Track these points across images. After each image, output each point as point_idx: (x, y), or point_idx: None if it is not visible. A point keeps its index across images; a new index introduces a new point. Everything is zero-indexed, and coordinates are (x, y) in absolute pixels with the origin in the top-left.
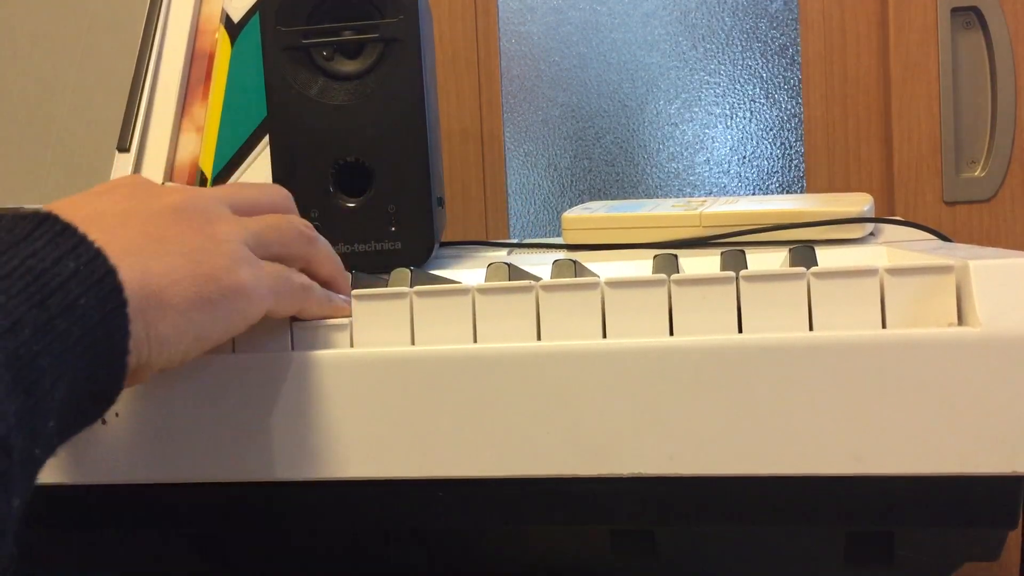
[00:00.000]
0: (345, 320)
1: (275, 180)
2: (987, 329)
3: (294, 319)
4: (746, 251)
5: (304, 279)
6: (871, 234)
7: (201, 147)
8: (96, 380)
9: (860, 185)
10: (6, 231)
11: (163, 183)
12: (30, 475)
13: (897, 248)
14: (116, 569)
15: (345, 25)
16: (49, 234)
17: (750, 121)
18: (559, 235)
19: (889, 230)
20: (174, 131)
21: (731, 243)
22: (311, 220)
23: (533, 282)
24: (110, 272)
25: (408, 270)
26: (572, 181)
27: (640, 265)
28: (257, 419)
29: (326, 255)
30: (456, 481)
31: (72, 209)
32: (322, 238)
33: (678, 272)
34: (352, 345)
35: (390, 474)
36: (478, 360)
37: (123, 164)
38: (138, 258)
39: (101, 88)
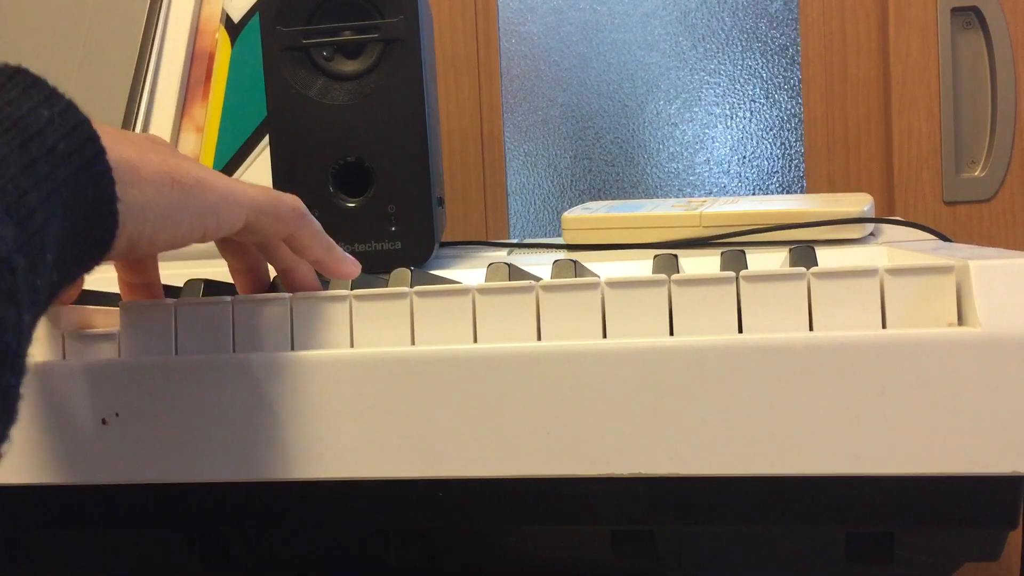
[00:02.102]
0: (345, 320)
1: (275, 180)
2: (987, 329)
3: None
4: (746, 251)
5: (298, 204)
6: (871, 234)
7: (201, 147)
8: (89, 221)
9: (860, 185)
10: None
11: None
12: (34, 304)
13: (897, 248)
14: (116, 569)
15: (345, 25)
16: (21, 86)
17: (750, 121)
18: (559, 235)
19: (889, 230)
20: (174, 131)
21: (731, 243)
22: None
23: (533, 282)
24: (84, 122)
25: (408, 270)
26: (572, 181)
27: (640, 265)
28: (257, 419)
29: (315, 230)
30: (456, 481)
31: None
32: (313, 218)
33: (678, 272)
34: (352, 345)
35: (390, 474)
36: (478, 360)
37: None
38: (109, 137)
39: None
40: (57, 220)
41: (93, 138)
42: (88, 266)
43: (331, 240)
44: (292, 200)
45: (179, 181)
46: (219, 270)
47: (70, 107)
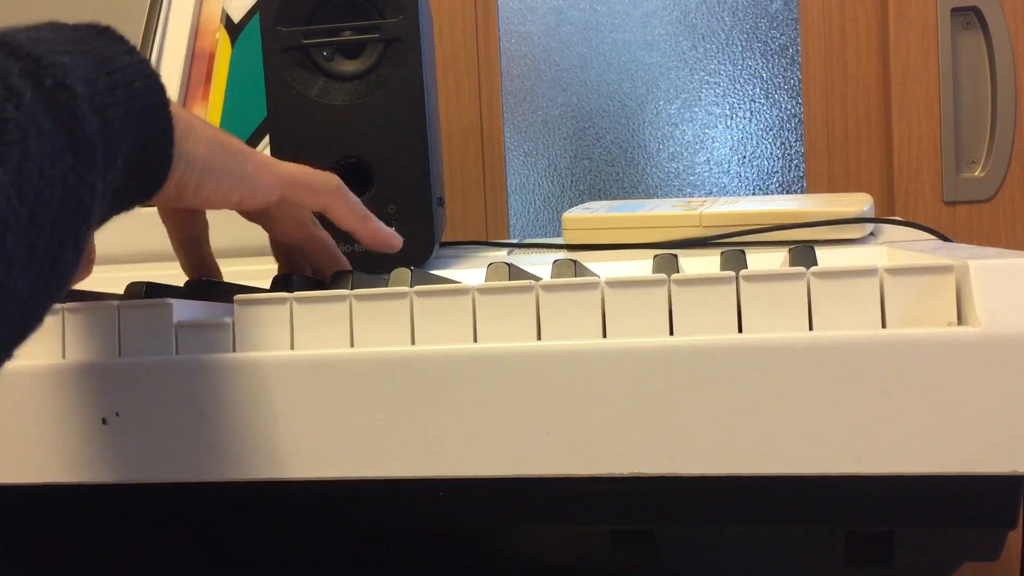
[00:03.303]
0: (345, 320)
1: None
2: (987, 329)
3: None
4: (746, 251)
5: (333, 179)
6: (871, 234)
7: None
8: (150, 152)
9: (860, 185)
10: (76, 29)
11: None
12: (104, 187)
13: (897, 248)
14: (116, 569)
15: (345, 25)
16: (110, 37)
17: (750, 121)
18: (559, 235)
19: (889, 230)
20: None
21: (731, 243)
22: None
23: (533, 282)
24: (155, 75)
25: (408, 270)
26: (572, 181)
27: (640, 265)
28: (257, 419)
29: (350, 203)
30: (456, 481)
31: None
32: (350, 193)
33: (678, 272)
34: (352, 345)
35: (390, 474)
36: (478, 360)
37: None
38: (178, 108)
39: None
40: (128, 137)
41: (161, 89)
42: (143, 194)
43: (368, 212)
44: (328, 176)
45: (226, 146)
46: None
47: (145, 62)
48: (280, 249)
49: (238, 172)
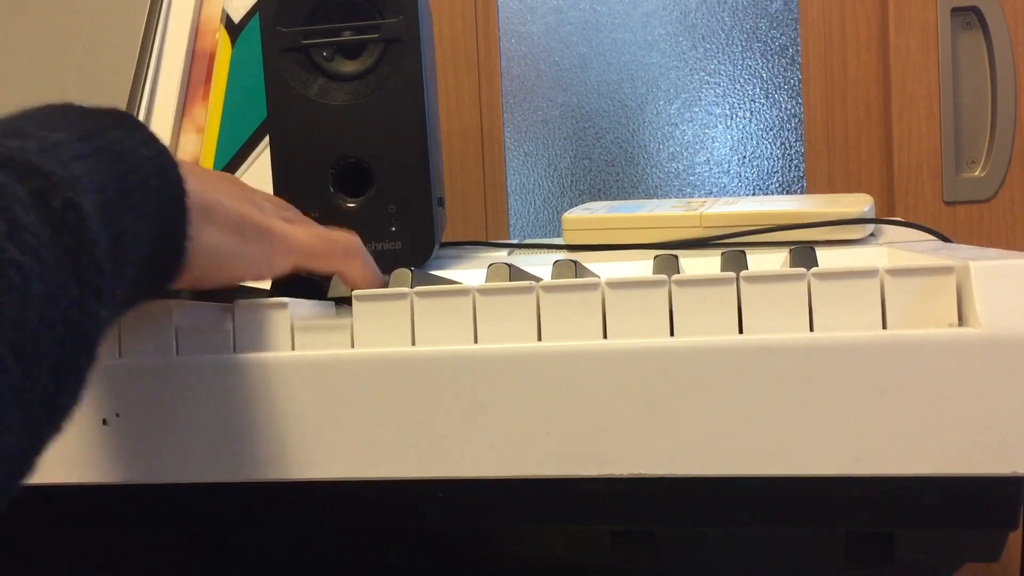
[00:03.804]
0: (345, 320)
1: (275, 180)
2: (987, 330)
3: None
4: (746, 252)
5: (351, 243)
6: (871, 235)
7: (201, 147)
8: (164, 251)
9: (860, 185)
10: (93, 119)
11: None
12: (111, 307)
13: (897, 249)
14: (116, 569)
15: (345, 25)
16: (128, 127)
17: (750, 121)
18: (559, 235)
19: (889, 231)
20: (174, 131)
21: (731, 244)
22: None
23: (533, 282)
24: (173, 166)
25: (408, 270)
26: (572, 181)
27: (640, 266)
28: (257, 419)
29: (362, 267)
30: (456, 481)
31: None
32: (367, 255)
33: (678, 273)
34: (353, 346)
35: (390, 474)
36: (478, 360)
37: None
38: (195, 178)
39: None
40: (141, 244)
41: (178, 181)
42: (157, 289)
43: (381, 275)
44: (346, 241)
45: (244, 231)
46: None
47: (164, 152)
48: None
49: (255, 255)
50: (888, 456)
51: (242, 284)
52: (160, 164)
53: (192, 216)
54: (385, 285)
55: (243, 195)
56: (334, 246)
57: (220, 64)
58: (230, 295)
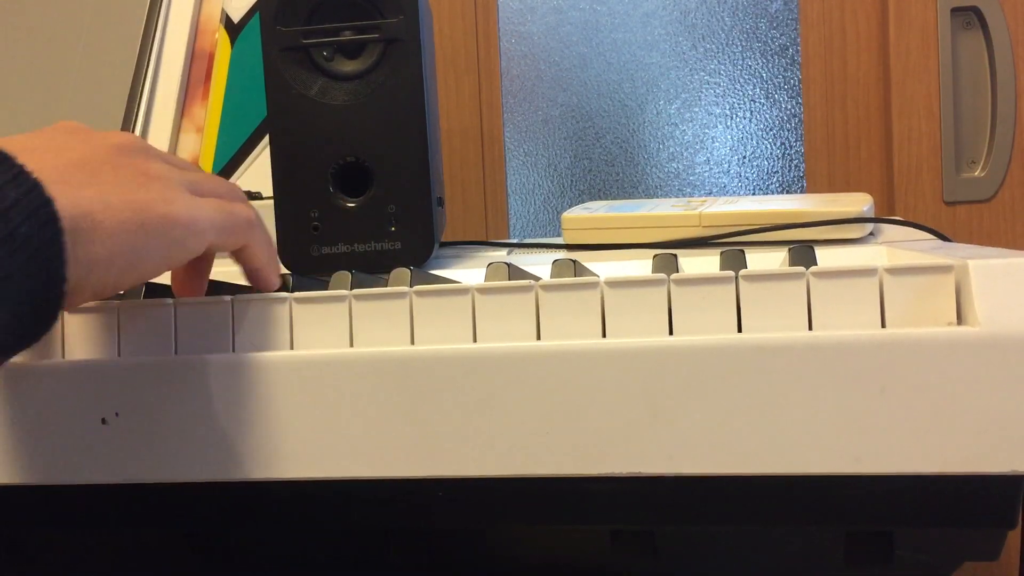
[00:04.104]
0: (344, 320)
1: (275, 180)
2: (986, 329)
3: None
4: (746, 251)
5: (248, 212)
6: (871, 234)
7: (201, 147)
8: (35, 304)
9: (860, 185)
10: None
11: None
12: None
13: (897, 248)
14: (116, 569)
15: (345, 25)
16: None
17: (750, 121)
18: (559, 235)
19: (889, 230)
20: (174, 131)
21: (731, 243)
22: (311, 220)
23: (533, 282)
24: (47, 202)
25: (408, 270)
26: (572, 181)
27: (640, 265)
28: (257, 419)
29: (264, 239)
30: (456, 481)
31: (8, 142)
32: (262, 223)
33: (678, 272)
34: (352, 345)
35: (390, 474)
36: (478, 360)
37: None
38: (71, 185)
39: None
40: (7, 305)
41: (53, 218)
42: (30, 343)
43: (274, 250)
44: (245, 211)
45: (144, 224)
46: (221, 270)
47: (35, 187)
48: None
49: (163, 245)
50: (887, 455)
51: (238, 283)
52: (31, 205)
53: (77, 233)
54: (273, 262)
55: (139, 171)
56: (237, 217)
57: (220, 64)
58: (230, 294)
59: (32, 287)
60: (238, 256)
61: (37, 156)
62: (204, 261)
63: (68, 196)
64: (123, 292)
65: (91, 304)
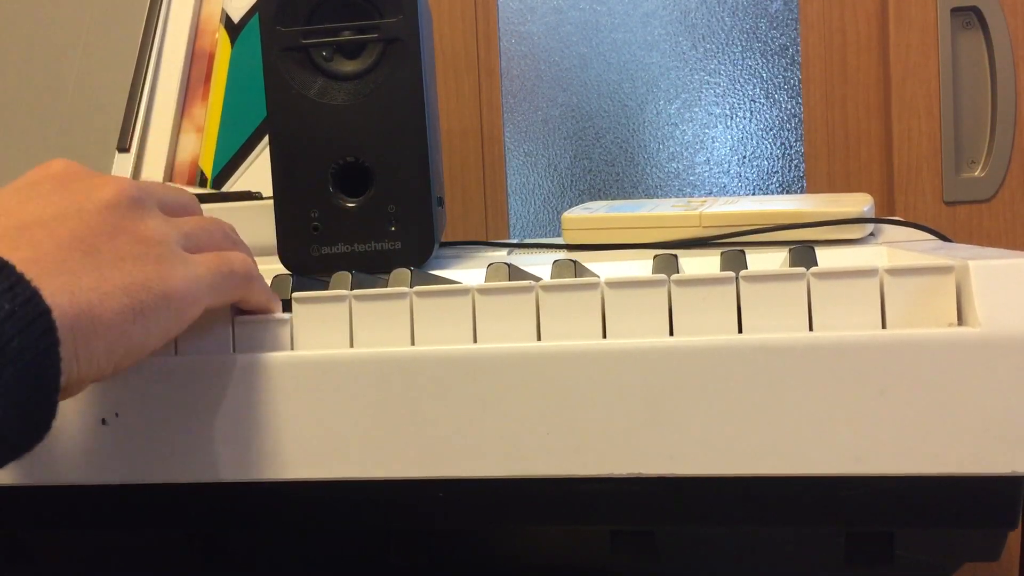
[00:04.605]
0: (344, 320)
1: (275, 180)
2: (987, 329)
3: (242, 313)
4: (746, 251)
5: (244, 265)
6: (871, 234)
7: (201, 147)
8: (27, 414)
9: (860, 185)
10: None
11: (162, 183)
12: None
13: (897, 248)
14: (116, 569)
15: (345, 25)
16: None
17: (750, 121)
18: (559, 235)
19: (889, 230)
20: (174, 131)
21: (731, 243)
22: (311, 220)
23: (533, 282)
24: (44, 312)
25: (408, 270)
26: (572, 181)
27: (640, 265)
28: (257, 419)
29: (261, 288)
30: (456, 481)
31: (2, 219)
32: (242, 241)
33: (678, 272)
34: (352, 345)
35: (390, 474)
36: (478, 360)
37: (123, 164)
38: (69, 277)
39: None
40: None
41: (50, 329)
42: (21, 453)
43: (272, 296)
44: (242, 265)
45: (143, 311)
46: None
47: (33, 298)
48: None
49: (163, 326)
50: (888, 456)
51: None
52: (27, 316)
53: (69, 335)
54: (273, 303)
55: (136, 237)
56: (233, 275)
57: (220, 64)
58: None
59: (22, 400)
60: (236, 304)
61: (28, 238)
62: None
63: (66, 292)
64: None
65: None
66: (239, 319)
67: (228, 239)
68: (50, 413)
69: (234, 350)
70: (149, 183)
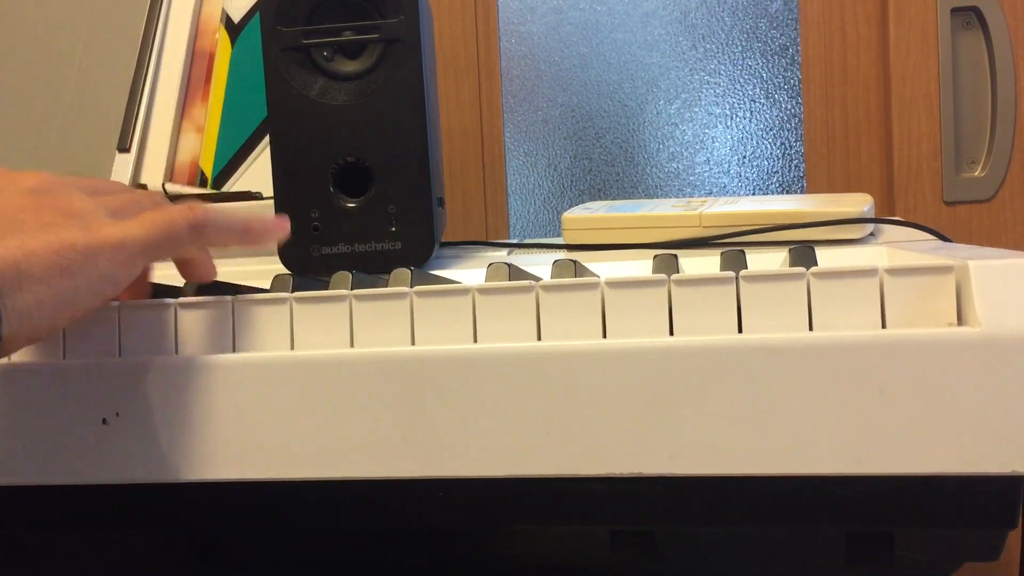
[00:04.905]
0: (344, 320)
1: (275, 180)
2: (987, 329)
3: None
4: (746, 251)
5: (190, 215)
6: (871, 234)
7: (201, 147)
8: None
9: (860, 185)
10: None
11: (163, 184)
12: None
13: (897, 248)
14: (116, 569)
15: (345, 25)
16: None
17: (750, 121)
18: (559, 235)
19: (889, 230)
20: (174, 131)
21: (731, 243)
22: (311, 220)
23: (533, 282)
24: None
25: (408, 270)
26: (572, 181)
27: (640, 265)
28: (257, 419)
29: (221, 230)
30: (456, 481)
31: None
32: (215, 214)
33: (678, 272)
34: (352, 345)
35: (390, 474)
36: (478, 360)
37: (123, 164)
38: None
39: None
40: None
41: None
42: None
43: (244, 221)
44: (186, 215)
45: (68, 267)
46: (222, 270)
47: None
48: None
49: (91, 283)
50: (888, 455)
51: (239, 283)
52: None
53: (2, 297)
54: (250, 230)
55: (60, 210)
56: (173, 227)
57: (220, 64)
58: (231, 294)
59: None
60: (212, 246)
61: None
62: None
63: None
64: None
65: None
66: (238, 303)
67: (159, 205)
68: None
69: (234, 350)
70: (85, 178)
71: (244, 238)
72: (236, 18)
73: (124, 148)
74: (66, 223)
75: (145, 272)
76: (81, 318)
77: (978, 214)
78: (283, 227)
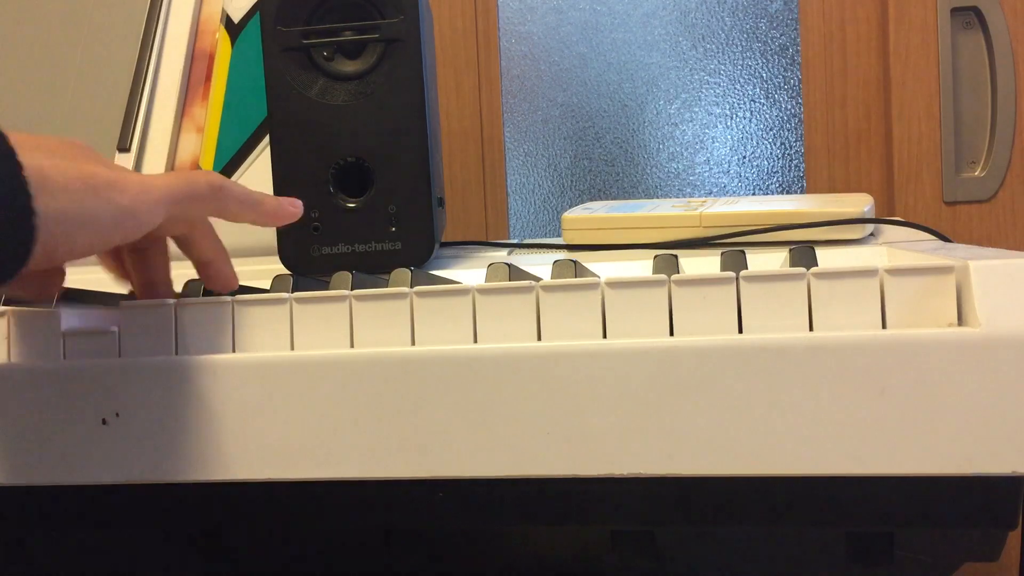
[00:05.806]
0: (345, 320)
1: (275, 180)
2: (987, 329)
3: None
4: (746, 251)
5: (213, 178)
6: (871, 235)
7: (201, 147)
8: (3, 235)
9: (860, 185)
10: None
11: None
12: None
13: (897, 248)
14: (116, 569)
15: (345, 25)
16: None
17: (750, 121)
18: (559, 235)
19: (889, 230)
20: (174, 131)
21: (731, 243)
22: (311, 220)
23: (533, 282)
24: (10, 151)
25: (408, 270)
26: (572, 181)
27: (640, 265)
28: (257, 419)
29: (239, 199)
30: (456, 481)
31: None
32: (235, 186)
33: (678, 272)
34: (352, 345)
35: (390, 474)
36: (478, 360)
37: (123, 164)
38: (26, 151)
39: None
40: None
41: (8, 154)
42: (2, 278)
43: (261, 195)
44: (207, 176)
45: (92, 185)
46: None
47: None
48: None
49: (114, 210)
50: (888, 456)
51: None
52: None
53: (32, 187)
54: (263, 204)
55: (85, 154)
56: (196, 183)
57: (220, 64)
58: (232, 294)
59: (4, 217)
60: (225, 219)
61: None
62: (157, 250)
63: (20, 150)
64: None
65: (92, 304)
66: (238, 303)
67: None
68: (28, 236)
69: (234, 350)
70: None
71: (257, 212)
72: (236, 18)
73: (124, 148)
74: (96, 161)
75: (159, 253)
76: (100, 250)
77: (978, 214)
78: (294, 208)
